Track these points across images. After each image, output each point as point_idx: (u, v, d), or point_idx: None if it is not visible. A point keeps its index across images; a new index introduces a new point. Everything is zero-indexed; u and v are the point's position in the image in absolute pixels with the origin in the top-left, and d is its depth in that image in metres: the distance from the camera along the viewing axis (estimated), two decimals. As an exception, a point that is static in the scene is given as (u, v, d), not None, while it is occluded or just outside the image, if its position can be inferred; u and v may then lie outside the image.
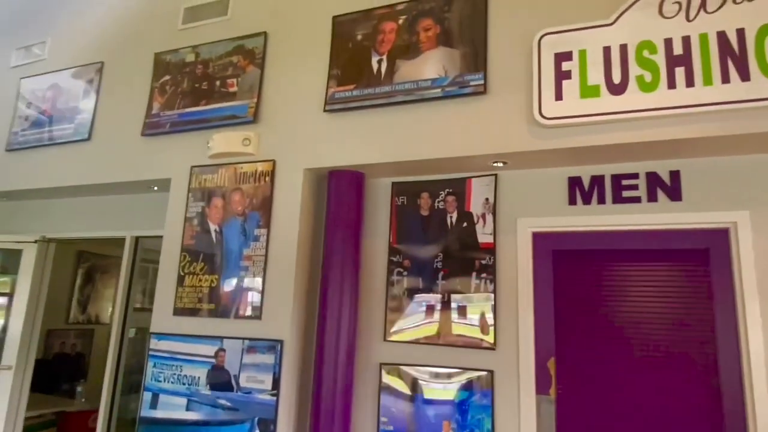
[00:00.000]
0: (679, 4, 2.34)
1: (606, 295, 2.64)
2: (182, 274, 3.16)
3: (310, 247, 3.06)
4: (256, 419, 2.76)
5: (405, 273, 2.94)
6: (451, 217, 2.91)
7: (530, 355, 2.62)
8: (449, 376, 2.72)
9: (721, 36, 2.25)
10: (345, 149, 2.95)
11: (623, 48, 2.40)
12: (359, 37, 3.04)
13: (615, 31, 2.43)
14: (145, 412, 3.02)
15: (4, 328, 4.07)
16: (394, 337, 2.89)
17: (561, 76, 2.48)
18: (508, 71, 2.66)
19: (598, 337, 2.61)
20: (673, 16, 2.34)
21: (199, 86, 3.44)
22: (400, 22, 2.96)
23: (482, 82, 2.67)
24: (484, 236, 2.81)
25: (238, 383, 2.85)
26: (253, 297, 2.95)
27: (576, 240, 2.72)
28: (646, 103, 2.31)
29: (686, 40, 2.30)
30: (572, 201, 2.70)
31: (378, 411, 2.82)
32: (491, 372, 2.65)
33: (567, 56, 2.49)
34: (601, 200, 2.65)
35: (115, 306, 3.87)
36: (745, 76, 2.18)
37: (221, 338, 2.96)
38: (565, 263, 2.73)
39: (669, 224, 2.51)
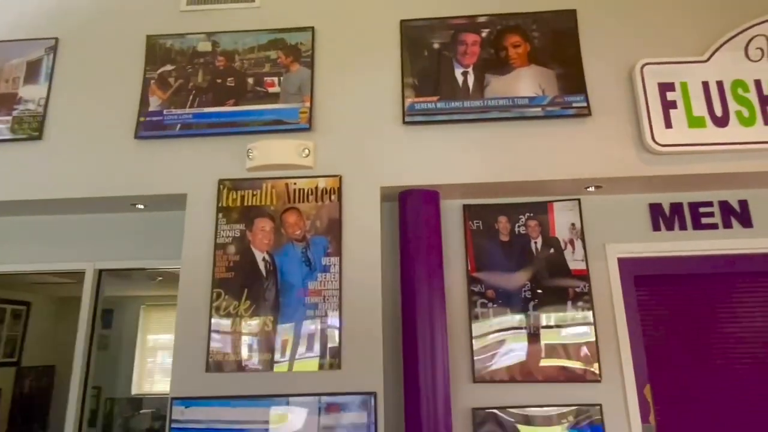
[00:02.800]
0: (762, 50, 2.59)
1: (690, 318, 2.72)
2: (217, 317, 2.45)
3: (389, 279, 2.63)
4: (351, 496, 2.21)
5: (490, 304, 2.69)
6: (535, 242, 2.76)
7: (633, 384, 2.57)
8: (554, 414, 2.52)
9: (799, 81, 2.54)
10: (428, 166, 2.63)
11: (719, 84, 2.56)
12: (436, 46, 2.77)
13: (710, 68, 2.59)
14: (173, 508, 2.22)
15: None
16: (484, 377, 2.59)
17: (667, 105, 2.55)
18: (607, 95, 2.65)
19: (687, 359, 2.67)
20: (758, 60, 2.58)
21: (223, 82, 2.79)
22: (484, 35, 2.78)
23: (585, 104, 2.61)
24: (574, 262, 2.71)
25: (317, 452, 2.26)
26: (328, 341, 2.40)
27: (657, 265, 2.78)
28: (747, 137, 2.48)
29: (772, 82, 2.55)
30: (656, 227, 2.77)
31: (475, 463, 2.48)
32: (599, 406, 2.53)
33: (670, 87, 2.57)
34: (682, 227, 2.76)
35: (74, 362, 2.86)
36: (822, 118, 2.48)
37: (286, 396, 2.34)
38: (647, 288, 2.76)
39: (742, 249, 2.71)
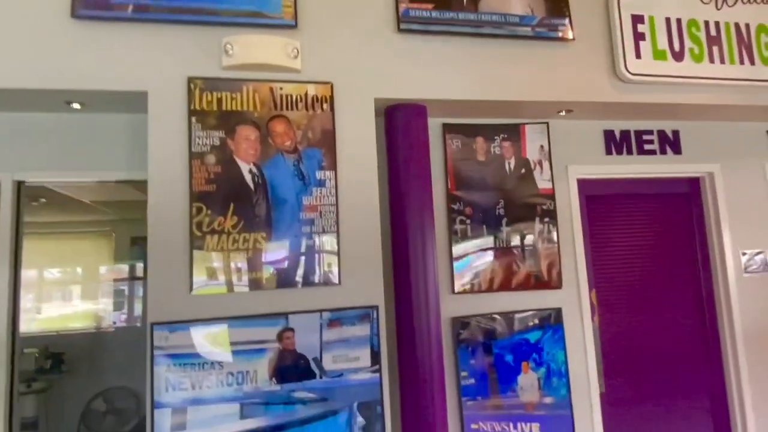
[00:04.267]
0: (711, -7, 2.88)
1: (623, 234, 3.12)
2: (199, 233, 2.19)
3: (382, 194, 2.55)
4: (356, 404, 2.23)
5: (468, 221, 2.78)
6: (509, 163, 2.88)
7: (585, 291, 2.91)
8: (523, 319, 2.77)
9: (737, 26, 2.90)
10: (421, 79, 2.54)
11: (678, 21, 2.81)
12: (429, -51, 2.60)
13: (672, 5, 2.82)
14: (165, 438, 2.04)
15: None
16: (462, 289, 2.73)
17: (637, 36, 2.74)
18: (587, 23, 2.75)
19: (624, 269, 3.08)
20: (708, 3, 2.87)
21: (186, -42, 2.32)
22: (476, -57, 2.66)
23: (570, 28, 2.70)
24: (542, 182, 2.90)
25: (321, 367, 2.22)
26: (326, 258, 2.30)
27: (605, 186, 3.09)
28: (698, 72, 2.79)
29: (717, 25, 2.87)
30: (608, 152, 3.05)
31: (456, 367, 2.66)
32: (560, 309, 2.83)
33: (640, 19, 2.75)
34: (629, 152, 3.08)
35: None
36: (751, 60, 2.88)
37: (285, 315, 2.22)
38: (596, 206, 3.08)
39: (673, 173, 3.13)
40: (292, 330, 2.22)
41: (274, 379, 2.17)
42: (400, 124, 2.57)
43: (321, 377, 2.21)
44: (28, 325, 6.03)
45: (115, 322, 6.18)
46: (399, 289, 2.49)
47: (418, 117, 2.60)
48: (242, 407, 2.13)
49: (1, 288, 2.34)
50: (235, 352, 2.15)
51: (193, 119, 2.24)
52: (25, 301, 6.08)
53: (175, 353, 2.10)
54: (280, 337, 2.20)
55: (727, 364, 3.05)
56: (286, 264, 2.26)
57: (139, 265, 6.26)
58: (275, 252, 2.25)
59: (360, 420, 2.22)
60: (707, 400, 3.07)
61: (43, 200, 4.68)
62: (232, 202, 2.23)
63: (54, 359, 5.17)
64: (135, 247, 6.28)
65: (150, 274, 2.14)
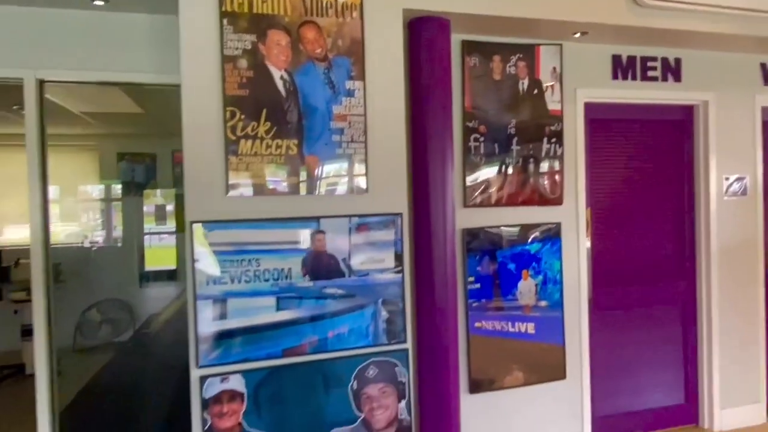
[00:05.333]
0: None
1: (619, 157, 3.32)
2: (233, 137, 2.24)
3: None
4: (380, 300, 2.44)
5: (481, 139, 2.91)
6: (522, 83, 2.97)
7: (582, 208, 3.13)
8: (526, 231, 2.99)
9: (749, -45, 2.96)
10: (447, -8, 2.55)
11: (696, -54, 2.86)
12: None
13: (692, -71, 2.85)
14: (208, 326, 2.21)
15: None
16: (472, 202, 2.90)
17: (656, -40, 2.78)
18: (610, -58, 2.77)
19: (614, 189, 3.31)
20: (726, -72, 2.91)
21: None
22: None
23: (594, -53, 2.71)
24: (552, 103, 3.02)
25: (350, 267, 2.40)
26: (355, 166, 2.41)
27: (609, 110, 3.24)
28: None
29: (731, -48, 2.93)
30: (615, 76, 3.17)
31: (464, 272, 2.88)
32: (559, 224, 3.06)
33: (661, -58, 2.78)
34: (633, 77, 3.21)
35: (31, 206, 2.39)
36: (759, -9, 2.98)
37: (316, 218, 2.36)
38: (598, 129, 3.24)
39: (671, 100, 3.30)
40: (323, 232, 2.36)
41: (307, 276, 2.33)
42: (424, 37, 2.60)
43: (349, 276, 2.39)
44: (20, 236, 6.00)
45: (98, 241, 6.20)
46: (417, 199, 2.64)
47: (441, 31, 2.63)
48: (278, 300, 2.30)
49: (33, 198, 2.37)
50: (270, 251, 2.29)
51: (225, 21, 2.22)
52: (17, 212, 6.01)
53: (214, 250, 2.22)
54: (312, 239, 2.35)
55: (700, 275, 3.40)
56: (317, 170, 2.36)
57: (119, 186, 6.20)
58: (308, 159, 2.33)
59: (384, 314, 2.44)
60: (680, 305, 3.44)
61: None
62: (265, 108, 2.28)
63: (55, 269, 5.21)
64: (122, 163, 6.18)
65: (187, 176, 2.21)
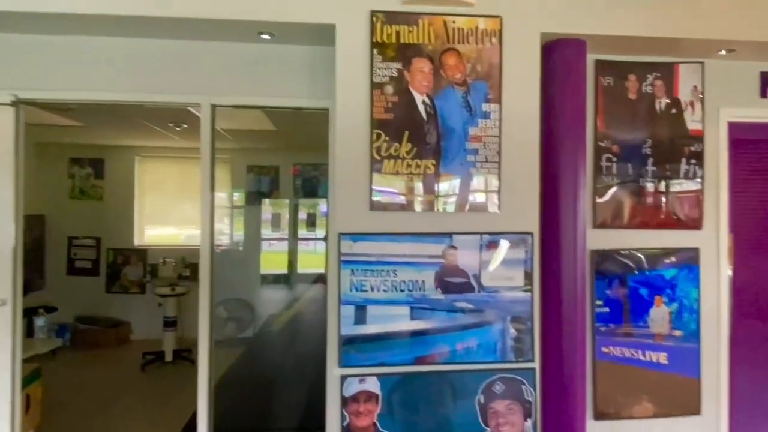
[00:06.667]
0: None
1: (766, 180, 3.07)
2: (378, 157, 2.43)
3: (538, 128, 2.68)
4: (509, 318, 2.49)
5: (614, 159, 2.86)
6: (660, 102, 2.88)
7: (725, 234, 2.95)
8: (660, 256, 2.87)
9: None
10: (585, 14, 2.57)
11: None
12: None
13: None
14: (350, 329, 2.40)
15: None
16: (603, 223, 2.85)
17: (822, -31, 2.58)
18: (766, -45, 2.63)
19: (759, 214, 3.07)
20: None
21: None
22: None
23: (747, -39, 2.59)
24: (693, 123, 2.89)
25: (479, 283, 2.47)
26: (488, 185, 2.49)
27: (756, 130, 3.03)
28: None
29: None
30: (763, 94, 2.97)
31: (593, 295, 2.83)
32: (697, 249, 2.90)
33: (829, -50, 2.58)
34: (788, 95, 2.98)
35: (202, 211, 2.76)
36: None
37: (450, 234, 2.47)
38: (743, 150, 3.03)
39: (831, 119, 3.01)
40: (455, 248, 2.47)
41: (438, 289, 2.45)
42: (559, 59, 2.63)
43: (479, 291, 2.47)
44: (161, 240, 6.81)
45: (223, 244, 6.79)
46: (548, 218, 2.65)
47: (577, 52, 2.65)
48: (412, 310, 2.44)
49: (204, 205, 2.73)
50: (406, 263, 2.44)
51: (375, 51, 2.43)
52: (142, 215, 6.81)
53: (358, 260, 2.41)
54: (445, 254, 2.46)
55: None
56: (452, 189, 2.47)
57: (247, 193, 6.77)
58: (443, 178, 2.46)
59: (512, 332, 2.48)
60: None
61: (185, 126, 5.17)
62: (407, 130, 2.45)
63: (192, 268, 5.86)
64: (250, 174, 6.79)
65: (336, 191, 2.43)
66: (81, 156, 6.57)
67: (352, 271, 2.41)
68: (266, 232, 6.90)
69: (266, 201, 6.82)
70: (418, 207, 2.45)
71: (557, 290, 2.61)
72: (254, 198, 6.80)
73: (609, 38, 2.64)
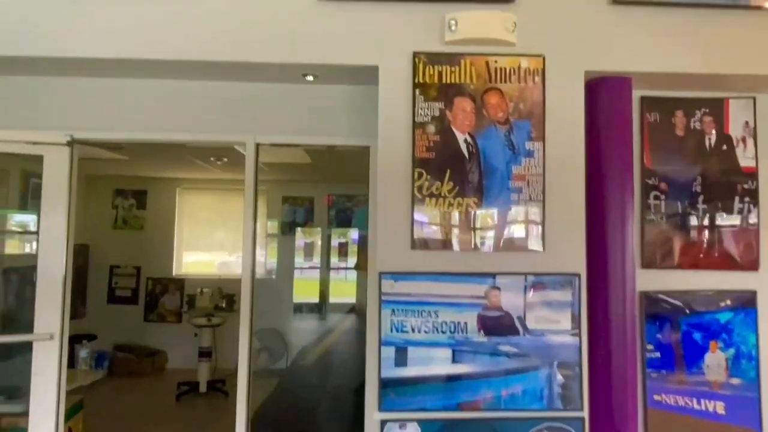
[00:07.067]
0: None
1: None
2: (420, 196, 2.42)
3: (583, 166, 2.63)
4: (555, 363, 2.39)
5: (662, 197, 2.77)
6: (709, 138, 2.79)
7: (784, 274, 2.79)
8: (715, 298, 2.73)
9: None
10: (631, 51, 2.53)
11: None
12: None
13: None
14: (390, 371, 2.35)
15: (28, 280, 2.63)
16: (652, 264, 2.74)
17: None
18: (820, -11, 2.55)
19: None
20: None
21: (413, -61, 2.49)
22: None
23: (800, -4, 2.52)
24: (745, 160, 2.78)
25: (524, 326, 2.40)
26: (532, 225, 2.44)
27: (814, 166, 2.89)
28: None
29: None
30: (819, 129, 2.84)
31: (642, 339, 2.70)
32: (755, 292, 2.75)
33: None
34: None
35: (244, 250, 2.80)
36: None
37: (492, 275, 2.41)
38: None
39: None
40: (498, 289, 2.41)
41: (481, 331, 2.38)
42: (604, 97, 2.59)
43: (524, 335, 2.39)
44: (196, 268, 6.93)
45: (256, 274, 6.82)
46: (594, 258, 2.57)
47: (622, 89, 2.60)
48: (454, 353, 2.37)
49: (247, 237, 2.76)
50: (448, 304, 2.39)
51: (417, 91, 2.45)
52: (181, 246, 6.95)
53: (399, 300, 2.38)
54: (487, 295, 2.40)
55: None
56: (495, 228, 2.43)
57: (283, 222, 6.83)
58: (486, 216, 2.43)
59: (559, 378, 2.38)
60: None
61: (225, 159, 5.30)
62: (449, 168, 2.43)
63: (228, 299, 5.92)
64: (285, 205, 6.88)
65: (378, 230, 2.42)
66: (125, 187, 6.81)
67: (393, 311, 2.37)
68: (298, 259, 6.96)
69: (299, 230, 6.89)
70: (459, 246, 2.42)
71: (606, 334, 2.51)
72: (288, 228, 6.89)
73: (655, 74, 2.59)
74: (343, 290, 6.94)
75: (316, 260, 7.04)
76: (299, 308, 6.90)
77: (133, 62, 2.50)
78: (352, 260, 6.97)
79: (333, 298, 6.97)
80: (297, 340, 6.44)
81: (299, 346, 6.24)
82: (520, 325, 2.39)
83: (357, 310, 6.31)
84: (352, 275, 6.91)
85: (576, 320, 2.42)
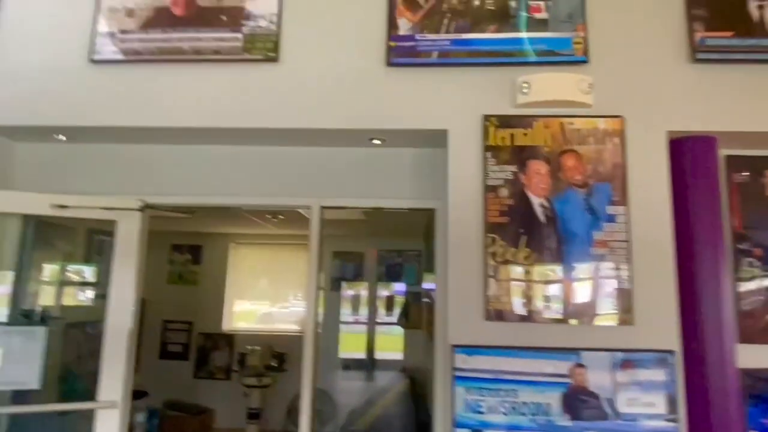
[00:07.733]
0: None
1: None
2: (493, 263, 2.29)
3: (669, 231, 2.45)
4: (652, 453, 2.13)
5: (758, 263, 2.52)
6: (807, 199, 2.56)
7: None
8: (830, 379, 2.41)
9: None
10: (715, 110, 2.39)
11: None
12: (726, -27, 2.46)
13: None
14: (465, 457, 2.15)
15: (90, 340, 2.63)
16: (753, 338, 2.47)
17: None
18: None
19: None
20: None
21: (482, 5, 2.49)
22: (782, -38, 2.45)
23: None
24: None
25: (614, 409, 2.16)
26: (618, 295, 2.25)
27: None
28: None
29: None
30: None
31: (745, 424, 2.40)
32: None
33: None
34: None
35: (308, 295, 2.73)
36: None
37: (576, 350, 2.22)
38: None
39: None
40: (583, 366, 2.20)
41: (567, 414, 2.17)
42: (689, 157, 2.44)
43: (614, 419, 2.15)
44: (243, 318, 6.91)
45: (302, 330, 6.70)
46: (687, 333, 2.34)
47: (707, 150, 2.45)
48: (535, 438, 2.16)
49: (310, 295, 2.69)
50: (528, 382, 2.20)
51: (488, 154, 2.37)
52: (232, 301, 6.97)
53: (473, 377, 2.21)
54: (572, 373, 2.20)
55: None
56: (577, 299, 2.26)
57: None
58: (567, 286, 2.26)
59: (657, 470, 2.12)
60: None
61: (281, 216, 5.35)
62: (524, 234, 2.31)
63: (278, 358, 5.81)
64: (336, 260, 6.85)
65: (449, 299, 2.29)
66: (181, 243, 6.97)
67: (467, 388, 2.20)
68: (345, 312, 6.84)
69: (345, 284, 6.81)
70: (539, 318, 2.25)
71: (706, 419, 2.23)
72: (336, 283, 6.81)
73: (742, 134, 2.43)
74: (389, 344, 6.74)
75: (363, 314, 6.92)
76: (346, 365, 6.71)
77: (204, 129, 2.56)
78: (398, 309, 6.83)
79: (380, 352, 6.78)
80: (345, 400, 6.21)
81: (348, 406, 6.01)
82: (609, 408, 2.16)
83: (407, 371, 6.09)
84: (398, 329, 6.73)
85: (672, 403, 2.16)
